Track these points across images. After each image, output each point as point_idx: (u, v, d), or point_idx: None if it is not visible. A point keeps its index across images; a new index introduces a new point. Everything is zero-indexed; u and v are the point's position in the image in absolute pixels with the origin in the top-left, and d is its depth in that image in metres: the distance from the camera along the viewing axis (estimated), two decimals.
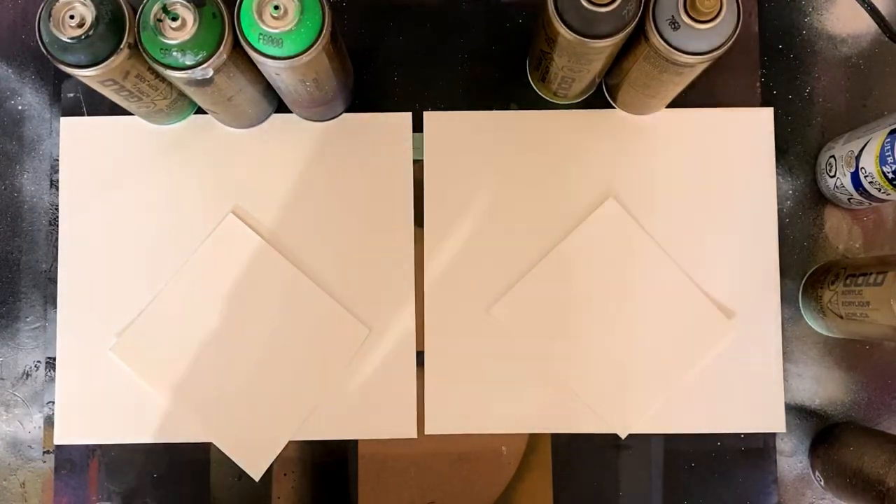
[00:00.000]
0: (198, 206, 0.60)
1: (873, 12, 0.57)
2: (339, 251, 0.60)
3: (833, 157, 0.57)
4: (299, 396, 0.58)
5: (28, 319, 0.60)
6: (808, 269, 0.59)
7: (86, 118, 0.60)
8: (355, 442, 0.59)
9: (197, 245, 0.59)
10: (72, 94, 0.60)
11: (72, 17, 0.45)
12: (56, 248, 0.60)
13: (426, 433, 0.58)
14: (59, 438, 0.58)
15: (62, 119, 0.60)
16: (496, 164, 0.60)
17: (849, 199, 0.57)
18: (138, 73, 0.50)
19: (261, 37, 0.46)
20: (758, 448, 0.59)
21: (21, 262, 0.60)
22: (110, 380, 0.59)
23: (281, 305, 0.59)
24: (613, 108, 0.60)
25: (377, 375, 0.59)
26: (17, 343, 0.60)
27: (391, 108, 0.61)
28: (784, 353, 0.59)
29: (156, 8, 0.46)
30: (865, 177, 0.53)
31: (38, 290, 0.60)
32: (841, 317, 0.54)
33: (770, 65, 0.61)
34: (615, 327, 0.59)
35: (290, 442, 0.58)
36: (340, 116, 0.60)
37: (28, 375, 0.60)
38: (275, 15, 0.45)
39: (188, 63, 0.46)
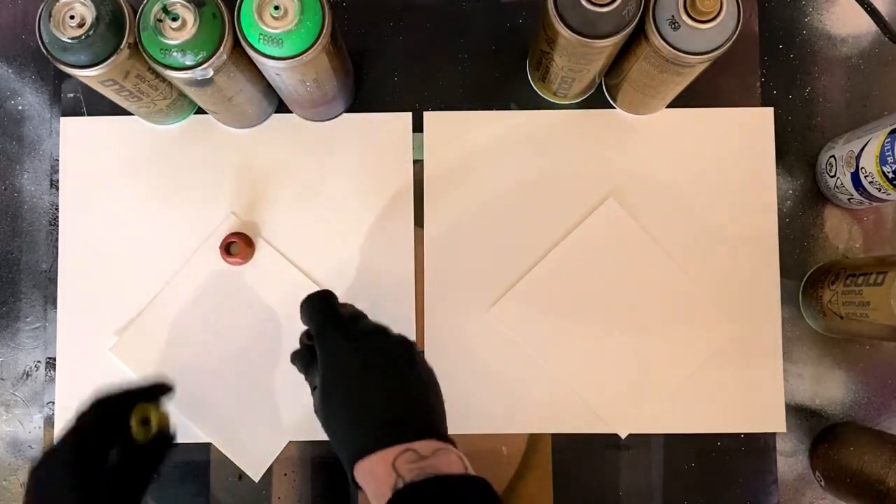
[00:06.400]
0: (198, 206, 0.60)
1: (873, 12, 0.57)
2: (339, 251, 0.59)
3: (833, 157, 0.57)
4: (299, 396, 0.58)
5: (28, 319, 0.60)
6: (808, 269, 0.59)
7: (86, 118, 0.60)
8: None
9: (196, 245, 0.59)
10: (72, 94, 0.60)
11: (72, 17, 0.45)
12: (56, 248, 0.60)
13: None
14: None
15: (62, 119, 0.60)
16: (496, 164, 0.60)
17: (849, 199, 0.57)
18: (138, 73, 0.50)
19: (261, 37, 0.46)
20: (758, 448, 0.59)
21: (21, 262, 0.60)
22: (110, 380, 0.58)
23: (280, 305, 0.59)
24: (613, 108, 0.60)
25: None
26: (17, 343, 0.60)
27: (391, 108, 0.60)
28: (784, 353, 0.59)
29: (156, 8, 0.46)
30: (865, 177, 0.53)
31: (38, 290, 0.60)
32: (841, 317, 0.54)
33: (770, 65, 0.61)
34: (615, 327, 0.59)
35: (290, 442, 0.58)
36: (340, 116, 0.60)
37: (28, 375, 0.60)
38: (275, 15, 0.45)
39: (188, 63, 0.46)
